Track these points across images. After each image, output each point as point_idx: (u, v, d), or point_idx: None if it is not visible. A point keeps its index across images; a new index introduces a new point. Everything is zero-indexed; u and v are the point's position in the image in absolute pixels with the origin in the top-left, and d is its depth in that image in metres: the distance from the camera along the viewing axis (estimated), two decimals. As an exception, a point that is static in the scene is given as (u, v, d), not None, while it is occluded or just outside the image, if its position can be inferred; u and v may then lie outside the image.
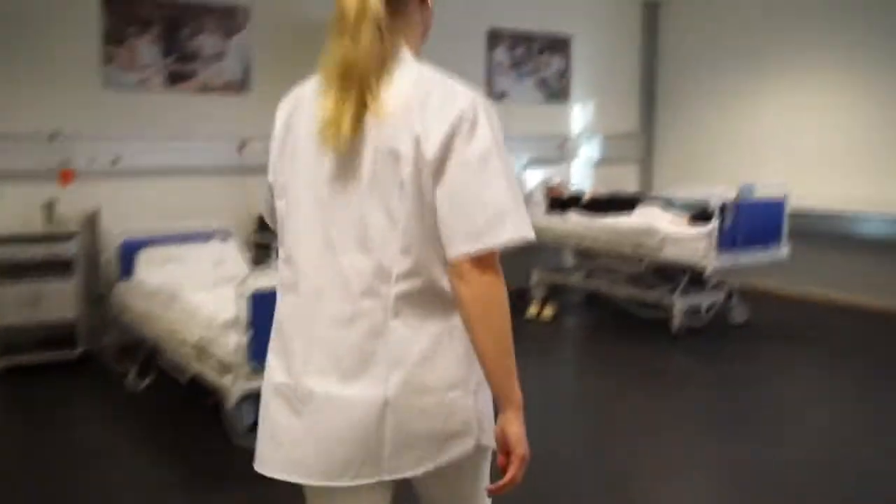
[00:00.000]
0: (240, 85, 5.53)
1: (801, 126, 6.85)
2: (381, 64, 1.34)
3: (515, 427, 1.36)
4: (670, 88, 7.91)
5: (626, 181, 7.90)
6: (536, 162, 7.03)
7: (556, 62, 7.35)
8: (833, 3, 6.56)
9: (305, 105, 1.42)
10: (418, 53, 1.44)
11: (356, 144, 1.34)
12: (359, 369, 1.36)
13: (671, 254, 5.47)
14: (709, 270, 5.26)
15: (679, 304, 5.50)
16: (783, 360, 5.14)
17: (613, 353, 5.40)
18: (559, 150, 7.36)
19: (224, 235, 5.03)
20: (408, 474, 1.41)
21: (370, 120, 1.33)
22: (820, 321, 6.12)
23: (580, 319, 6.54)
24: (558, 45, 7.34)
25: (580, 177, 7.60)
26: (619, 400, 4.45)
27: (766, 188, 5.45)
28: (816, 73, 6.69)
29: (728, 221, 5.21)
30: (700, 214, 5.70)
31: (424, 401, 1.37)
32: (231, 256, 4.80)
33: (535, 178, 6.91)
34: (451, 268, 1.33)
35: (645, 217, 5.94)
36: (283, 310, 1.47)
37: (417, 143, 1.31)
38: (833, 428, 4.00)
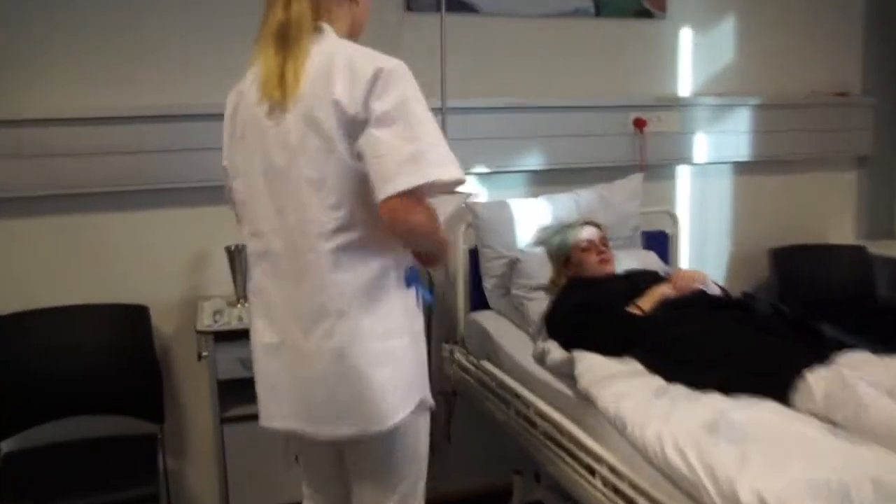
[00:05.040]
0: None
1: None
2: (308, 30, 1.46)
3: None
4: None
5: (823, 220, 3.37)
6: (570, 173, 2.89)
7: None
8: None
9: (246, 91, 1.53)
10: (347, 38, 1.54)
11: (286, 116, 1.44)
12: (312, 322, 1.47)
13: None
14: None
15: None
16: None
17: None
18: (630, 140, 2.94)
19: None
20: (373, 431, 1.47)
21: (296, 93, 1.43)
22: None
23: None
24: None
25: (696, 205, 3.17)
26: None
27: None
28: None
29: None
30: None
31: (372, 346, 1.46)
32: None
33: (548, 213, 2.65)
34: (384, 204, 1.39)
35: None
36: (261, 276, 1.57)
37: (337, 106, 1.39)
38: None
